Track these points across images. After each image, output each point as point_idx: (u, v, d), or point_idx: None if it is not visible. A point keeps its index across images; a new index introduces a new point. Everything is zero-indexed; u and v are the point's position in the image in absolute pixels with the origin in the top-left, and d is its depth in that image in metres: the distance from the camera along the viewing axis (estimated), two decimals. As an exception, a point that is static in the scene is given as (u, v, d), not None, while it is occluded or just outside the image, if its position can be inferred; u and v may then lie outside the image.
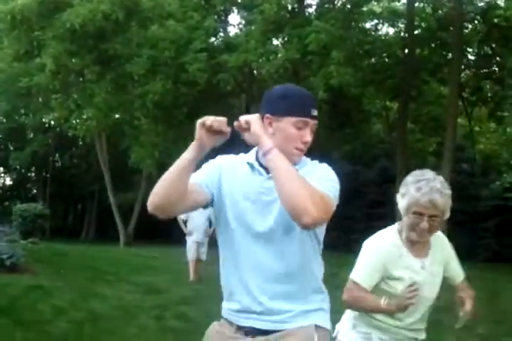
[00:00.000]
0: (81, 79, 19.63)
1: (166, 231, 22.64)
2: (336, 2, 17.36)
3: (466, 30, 19.41)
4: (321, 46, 14.15)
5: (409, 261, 2.65)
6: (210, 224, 10.62)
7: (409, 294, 2.50)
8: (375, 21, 20.10)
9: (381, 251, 2.66)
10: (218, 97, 18.90)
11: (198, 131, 2.00)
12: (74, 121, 20.71)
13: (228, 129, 1.99)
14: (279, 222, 2.04)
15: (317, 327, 2.12)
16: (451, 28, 18.04)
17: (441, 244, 2.75)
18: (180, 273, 11.48)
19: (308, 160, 2.18)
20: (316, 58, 15.03)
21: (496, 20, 18.99)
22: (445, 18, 19.15)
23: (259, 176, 2.11)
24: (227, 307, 2.22)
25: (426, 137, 25.93)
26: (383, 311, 2.60)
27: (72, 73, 18.05)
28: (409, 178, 2.62)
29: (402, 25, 20.55)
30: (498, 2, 19.10)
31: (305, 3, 17.35)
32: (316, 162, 2.18)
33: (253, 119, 2.01)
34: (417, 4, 19.26)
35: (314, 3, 17.93)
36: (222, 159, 2.20)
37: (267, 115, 2.05)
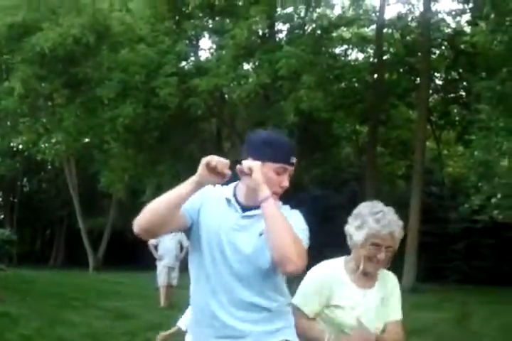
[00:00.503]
0: (50, 103, 19.48)
1: (135, 257, 22.40)
2: (306, 28, 17.60)
3: (434, 56, 19.84)
4: (292, 71, 14.28)
5: (351, 290, 2.65)
6: (181, 248, 10.50)
7: (360, 338, 2.49)
8: (345, 47, 20.46)
9: (323, 277, 2.67)
10: (189, 121, 18.88)
11: (201, 170, 2.11)
12: (42, 145, 20.46)
13: (229, 172, 2.12)
14: (249, 258, 2.21)
15: None
16: (419, 54, 18.43)
17: (386, 279, 2.75)
18: (150, 299, 11.31)
19: (280, 203, 2.30)
20: (287, 83, 15.17)
21: (462, 47, 19.46)
22: (413, 43, 19.57)
23: (235, 213, 2.25)
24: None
25: (395, 160, 26.24)
26: None
27: (41, 97, 17.90)
28: (364, 210, 2.64)
29: (371, 51, 20.92)
30: (465, 29, 19.60)
31: (275, 28, 17.56)
32: (287, 207, 2.34)
33: (256, 167, 2.15)
34: (385, 30, 19.64)
35: (285, 28, 18.15)
36: (206, 190, 2.26)
37: (250, 159, 2.20)
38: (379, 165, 21.40)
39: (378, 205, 2.66)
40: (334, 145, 21.86)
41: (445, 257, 19.50)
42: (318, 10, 17.76)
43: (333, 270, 2.69)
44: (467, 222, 18.54)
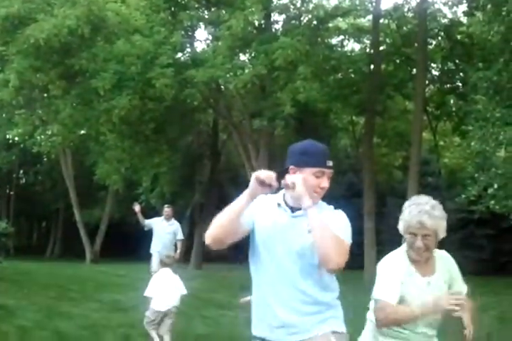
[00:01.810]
0: (45, 94, 19.37)
1: (132, 248, 22.38)
2: (302, 18, 17.51)
3: (430, 47, 19.79)
4: (288, 62, 14.22)
5: (417, 279, 2.90)
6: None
7: (454, 301, 2.69)
8: (341, 37, 20.36)
9: (396, 268, 2.89)
10: (185, 113, 18.83)
11: (252, 183, 2.44)
12: (38, 137, 20.38)
13: (276, 184, 2.43)
14: (297, 251, 2.56)
15: (334, 332, 2.62)
16: (416, 44, 18.37)
17: (446, 263, 3.03)
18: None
19: (324, 204, 2.68)
20: (283, 74, 15.11)
21: (459, 37, 19.42)
22: (409, 34, 19.49)
23: (285, 213, 2.62)
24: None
25: (392, 151, 26.25)
26: (419, 317, 2.79)
27: (36, 89, 17.78)
28: (406, 203, 2.95)
29: (367, 41, 20.84)
30: (461, 19, 19.54)
31: (272, 19, 17.48)
32: (331, 207, 2.70)
33: (298, 181, 2.49)
34: (382, 21, 19.56)
35: (281, 19, 18.05)
36: (258, 199, 2.57)
37: (292, 166, 2.59)
38: (376, 156, 21.39)
39: (420, 198, 2.94)
40: (331, 136, 21.86)
41: (441, 248, 19.52)
42: (314, 0, 17.67)
43: (401, 262, 2.92)
44: (464, 212, 18.58)
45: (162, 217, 10.94)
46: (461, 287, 3.05)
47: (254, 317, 2.71)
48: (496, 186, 11.64)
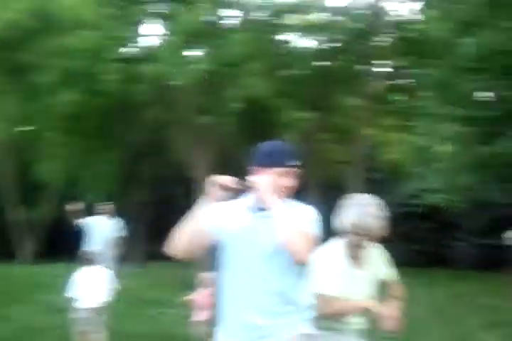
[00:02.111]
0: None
1: (73, 248, 21.82)
2: (253, 14, 17.51)
3: (378, 43, 20.12)
4: (238, 58, 14.22)
5: (353, 272, 3.00)
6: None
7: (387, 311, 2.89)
8: (292, 34, 20.44)
9: (334, 261, 2.97)
10: (132, 108, 18.56)
11: (210, 188, 2.49)
12: (-23, 134, 19.73)
13: (238, 187, 2.50)
14: (266, 252, 2.55)
15: (303, 335, 2.59)
16: (364, 41, 18.65)
17: (380, 255, 3.14)
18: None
19: (293, 202, 2.65)
20: (233, 70, 15.10)
21: (407, 34, 19.80)
22: (358, 31, 19.76)
23: (253, 214, 2.60)
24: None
25: (338, 147, 26.56)
26: (361, 309, 2.93)
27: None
28: (348, 201, 2.97)
29: (317, 38, 20.99)
30: (410, 17, 19.92)
31: (223, 15, 17.39)
32: (298, 202, 2.67)
33: (261, 182, 2.52)
34: (332, 17, 19.77)
35: (232, 15, 17.96)
36: (225, 205, 2.63)
37: (256, 167, 2.60)
38: (323, 152, 21.66)
39: (363, 198, 3.01)
40: (279, 132, 21.94)
41: (386, 241, 19.95)
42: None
43: (335, 253, 3.00)
44: (407, 206, 19.05)
45: (100, 215, 10.82)
46: (393, 277, 3.19)
47: (223, 321, 2.67)
48: (437, 180, 11.98)
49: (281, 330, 2.55)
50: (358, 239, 2.93)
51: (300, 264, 2.50)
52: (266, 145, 2.66)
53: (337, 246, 3.03)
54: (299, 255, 2.42)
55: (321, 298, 2.86)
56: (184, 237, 2.51)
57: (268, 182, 2.52)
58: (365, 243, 2.97)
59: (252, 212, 2.62)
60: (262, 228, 2.56)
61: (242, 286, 2.58)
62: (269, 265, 2.55)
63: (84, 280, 6.93)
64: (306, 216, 2.59)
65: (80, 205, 10.68)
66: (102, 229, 10.51)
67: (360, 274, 3.01)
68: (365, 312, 2.98)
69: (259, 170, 2.59)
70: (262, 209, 2.58)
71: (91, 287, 6.91)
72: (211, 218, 2.57)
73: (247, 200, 2.65)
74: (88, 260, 7.10)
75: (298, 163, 2.60)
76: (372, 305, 2.94)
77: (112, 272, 10.19)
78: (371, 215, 2.88)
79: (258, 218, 2.59)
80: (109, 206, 10.81)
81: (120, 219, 10.96)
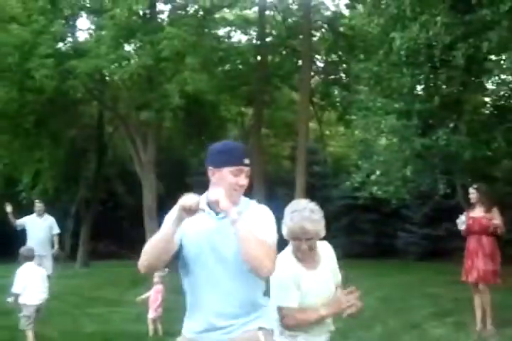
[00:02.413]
0: None
1: (12, 248, 21.22)
2: (188, 9, 17.28)
3: (315, 38, 20.26)
4: (175, 52, 14.00)
5: (308, 275, 3.10)
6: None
7: (349, 302, 3.00)
8: (228, 28, 20.35)
9: (288, 272, 3.04)
10: (68, 105, 18.08)
11: (178, 211, 2.49)
12: None
13: (203, 207, 2.55)
14: (226, 254, 2.63)
15: (261, 328, 2.68)
16: (301, 36, 18.73)
17: (328, 253, 3.26)
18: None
19: (248, 201, 2.76)
20: (170, 64, 14.86)
21: (341, 29, 19.99)
22: (295, 26, 19.85)
23: (211, 218, 2.66)
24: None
25: (280, 142, 26.68)
26: (325, 318, 3.04)
27: None
28: (287, 209, 3.10)
29: (254, 33, 20.99)
30: (344, 12, 20.13)
31: (157, 9, 17.10)
32: (254, 203, 2.77)
33: (220, 196, 2.52)
34: (267, 12, 19.76)
35: (167, 9, 17.71)
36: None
37: (210, 167, 2.68)
38: (264, 147, 21.67)
39: (300, 203, 3.13)
40: (220, 127, 21.83)
41: (329, 234, 20.14)
42: (200, -10, 17.49)
43: (290, 263, 3.09)
44: (348, 198, 19.23)
45: (35, 214, 10.61)
46: (339, 275, 3.31)
47: (187, 322, 2.79)
48: (378, 173, 12.09)
49: (242, 327, 2.65)
50: (300, 243, 3.04)
51: (263, 278, 2.59)
52: (218, 146, 2.73)
53: (287, 253, 3.14)
54: (262, 269, 2.48)
55: (284, 311, 2.98)
56: (151, 256, 2.55)
57: (223, 179, 2.62)
58: (311, 244, 3.07)
59: (210, 213, 2.67)
60: (223, 230, 2.60)
61: (205, 290, 2.66)
62: (230, 268, 2.62)
63: (28, 276, 7.04)
64: (263, 220, 2.65)
65: (9, 206, 10.40)
66: (37, 228, 10.30)
67: (313, 275, 3.12)
68: (328, 318, 3.12)
69: (213, 170, 2.67)
70: (219, 213, 2.63)
71: (34, 283, 7.05)
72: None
73: (203, 202, 2.64)
74: (26, 258, 7.17)
75: (249, 161, 2.67)
76: (332, 310, 3.05)
77: (50, 270, 10.07)
78: (306, 219, 3.00)
79: (218, 219, 2.64)
80: (40, 204, 10.60)
81: (52, 217, 10.72)
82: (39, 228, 10.42)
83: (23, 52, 14.16)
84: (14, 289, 7.00)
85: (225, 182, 2.63)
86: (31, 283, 7.06)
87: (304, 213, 3.02)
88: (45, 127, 17.66)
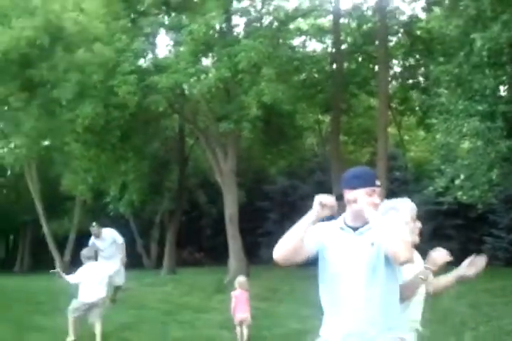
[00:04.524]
0: (6, 107, 18.97)
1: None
2: (263, 21, 17.52)
3: (391, 43, 20.01)
4: (251, 64, 14.21)
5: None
6: None
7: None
8: (303, 38, 20.45)
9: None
10: (150, 119, 18.67)
11: (316, 207, 2.87)
12: (1, 150, 20.00)
13: (336, 206, 2.89)
14: (367, 263, 2.92)
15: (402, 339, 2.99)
16: (376, 42, 18.55)
17: (417, 255, 3.51)
18: (120, 300, 11.22)
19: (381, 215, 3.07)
20: (247, 76, 15.09)
21: (418, 33, 19.66)
22: (370, 32, 19.67)
23: (349, 234, 3.01)
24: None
25: (358, 148, 26.46)
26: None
27: (-4, 102, 17.43)
28: (388, 204, 3.43)
29: (328, 41, 20.98)
30: (420, 15, 19.81)
31: (233, 22, 17.44)
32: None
33: (359, 196, 2.94)
34: (342, 20, 19.70)
35: (242, 22, 18.01)
36: (322, 225, 3.04)
37: (346, 190, 3.00)
38: (343, 154, 21.54)
39: (392, 200, 3.50)
40: (298, 136, 21.90)
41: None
42: (274, 2, 17.68)
43: None
44: (431, 204, 18.80)
45: (92, 237, 11.02)
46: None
47: (328, 327, 3.04)
48: (462, 177, 11.80)
49: (382, 334, 2.90)
50: (415, 224, 3.47)
51: (401, 265, 2.87)
52: (353, 171, 3.10)
53: None
54: (401, 256, 2.76)
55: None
56: (287, 246, 2.89)
57: (364, 198, 2.94)
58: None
59: (348, 231, 3.01)
60: (361, 244, 2.95)
61: (347, 298, 2.93)
62: (372, 278, 2.91)
63: (87, 275, 7.64)
64: (398, 222, 3.02)
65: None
66: (100, 249, 10.72)
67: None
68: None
69: (349, 192, 3.00)
70: (357, 228, 2.99)
71: (91, 282, 7.61)
72: (313, 234, 2.96)
73: (341, 221, 3.05)
74: (88, 257, 7.87)
75: (380, 183, 3.02)
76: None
77: (122, 280, 10.60)
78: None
79: (356, 235, 2.99)
80: (94, 227, 11.05)
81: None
82: (102, 248, 10.83)
83: (107, 70, 14.76)
84: (69, 278, 7.64)
85: (360, 201, 2.95)
86: (88, 281, 7.55)
87: (404, 199, 3.49)
88: (129, 141, 18.27)
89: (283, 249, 2.90)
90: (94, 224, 11.17)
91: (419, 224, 3.47)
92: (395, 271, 2.99)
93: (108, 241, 10.91)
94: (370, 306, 2.90)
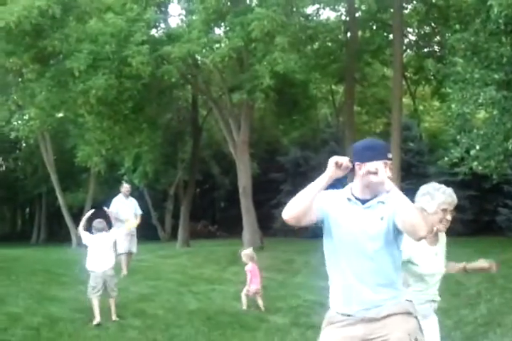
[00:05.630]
0: (20, 79, 19.00)
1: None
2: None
3: (406, 11, 19.67)
4: (264, 33, 14.02)
5: (426, 248, 3.47)
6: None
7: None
8: (316, 6, 20.14)
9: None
10: (163, 90, 18.58)
11: (330, 167, 2.84)
12: (16, 123, 20.07)
13: (350, 165, 2.85)
14: (374, 237, 2.90)
15: (408, 300, 3.04)
16: (391, 10, 18.23)
17: (442, 237, 3.64)
18: (137, 272, 11.36)
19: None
20: (260, 45, 14.92)
21: (433, 0, 19.29)
22: (384, -1, 19.33)
23: (357, 207, 2.96)
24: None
25: (373, 118, 26.29)
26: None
27: (10, 73, 17.44)
28: (422, 190, 3.55)
29: (342, 9, 20.66)
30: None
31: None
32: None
33: (380, 167, 2.86)
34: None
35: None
36: (328, 193, 2.99)
37: (357, 163, 2.91)
38: (357, 124, 21.40)
39: (436, 184, 3.57)
40: (311, 106, 21.73)
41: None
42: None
43: None
44: (446, 175, 18.70)
45: (121, 195, 11.06)
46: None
47: (337, 297, 3.02)
48: (477, 147, 11.72)
49: (392, 299, 2.93)
50: (445, 213, 3.50)
51: (419, 239, 2.83)
52: (364, 143, 3.02)
53: None
54: (419, 230, 2.74)
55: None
56: (298, 205, 2.84)
57: (383, 168, 2.86)
58: (451, 216, 3.52)
59: (356, 203, 2.96)
60: (368, 217, 2.91)
61: (355, 267, 2.92)
62: (378, 250, 2.89)
63: (96, 246, 7.77)
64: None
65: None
66: (124, 208, 10.83)
67: (434, 251, 3.53)
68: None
69: (360, 165, 2.91)
70: (365, 201, 2.94)
71: (97, 253, 7.74)
72: (319, 200, 2.91)
73: (348, 192, 2.99)
74: (97, 229, 7.88)
75: (391, 156, 2.94)
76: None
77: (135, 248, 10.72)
78: (452, 193, 3.54)
79: (364, 208, 2.94)
80: (129, 185, 11.15)
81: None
82: (127, 209, 10.90)
83: (119, 41, 14.66)
84: (83, 234, 7.91)
85: (381, 173, 2.88)
86: (98, 252, 7.68)
87: (447, 190, 3.49)
88: (142, 112, 18.24)
89: (294, 209, 2.85)
90: (125, 181, 11.24)
91: (449, 217, 3.47)
92: (400, 245, 2.98)
93: (132, 205, 11.03)
94: (375, 278, 2.91)
